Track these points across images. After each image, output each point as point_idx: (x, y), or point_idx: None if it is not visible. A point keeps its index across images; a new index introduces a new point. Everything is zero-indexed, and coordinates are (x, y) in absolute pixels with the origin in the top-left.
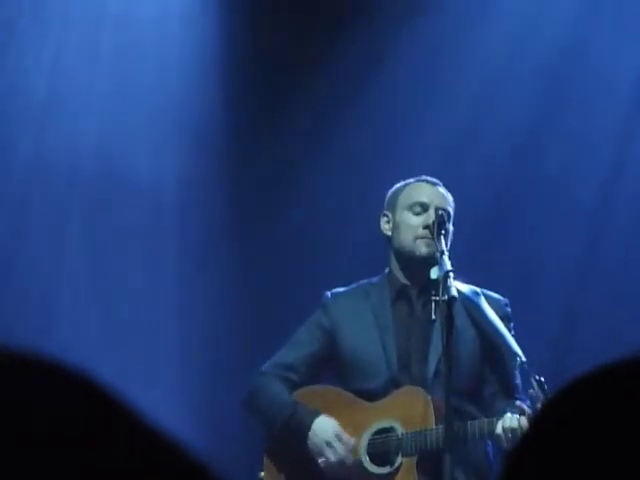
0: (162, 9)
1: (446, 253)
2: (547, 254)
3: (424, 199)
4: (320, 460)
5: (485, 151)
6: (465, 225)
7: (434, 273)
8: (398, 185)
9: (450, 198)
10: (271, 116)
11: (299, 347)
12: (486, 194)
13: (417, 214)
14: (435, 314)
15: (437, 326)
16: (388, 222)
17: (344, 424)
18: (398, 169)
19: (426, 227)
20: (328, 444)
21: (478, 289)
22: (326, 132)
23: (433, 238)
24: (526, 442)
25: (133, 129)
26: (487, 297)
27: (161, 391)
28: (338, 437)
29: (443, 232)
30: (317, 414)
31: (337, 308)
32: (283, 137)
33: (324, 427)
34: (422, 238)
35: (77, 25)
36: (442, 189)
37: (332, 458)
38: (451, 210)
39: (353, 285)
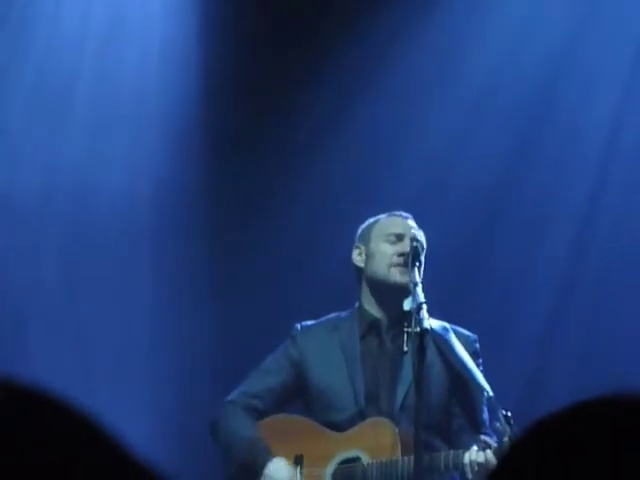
0: (144, 12)
1: (420, 285)
2: (521, 292)
3: (399, 230)
4: None
5: (461, 188)
6: (437, 260)
7: (407, 305)
8: (371, 220)
9: (421, 233)
10: (246, 147)
11: (266, 376)
12: (460, 229)
13: (392, 243)
14: (407, 346)
15: (406, 359)
16: (360, 254)
17: (310, 453)
18: (373, 201)
19: (401, 255)
20: None
21: (447, 325)
22: (301, 161)
23: (408, 267)
24: (495, 478)
25: (110, 139)
26: (456, 333)
27: (129, 409)
28: (289, 477)
29: (418, 264)
30: (272, 455)
31: (306, 341)
32: (258, 164)
33: (278, 470)
34: (397, 266)
35: (59, 34)
36: (414, 223)
37: None
38: (424, 244)
39: (322, 319)
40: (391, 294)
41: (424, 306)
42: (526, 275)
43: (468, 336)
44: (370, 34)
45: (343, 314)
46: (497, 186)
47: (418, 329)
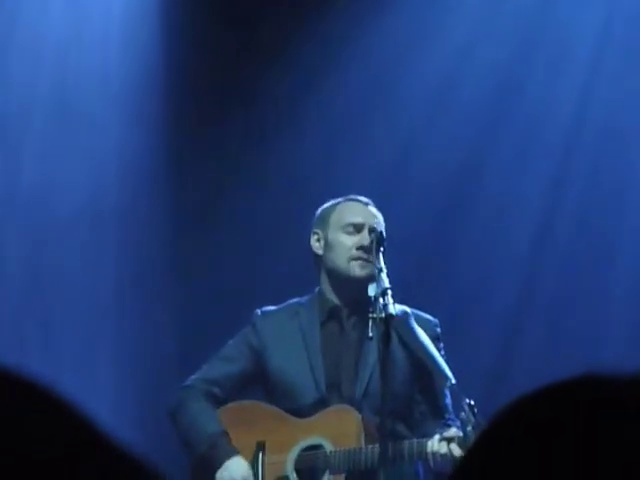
0: (105, 9)
1: (384, 270)
2: (485, 276)
3: (358, 219)
4: None
5: (423, 171)
6: (399, 244)
7: (372, 290)
8: (328, 204)
9: (381, 217)
10: (207, 131)
11: (226, 363)
12: (422, 214)
13: (350, 234)
14: (372, 331)
15: (368, 345)
16: (319, 240)
17: (272, 440)
18: (337, 183)
19: (360, 248)
20: None
21: (408, 309)
22: (267, 141)
23: (368, 259)
24: (463, 468)
25: (72, 119)
26: (417, 317)
27: (95, 395)
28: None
29: (382, 249)
30: (234, 454)
31: (266, 327)
32: (224, 142)
33: (236, 467)
34: (357, 259)
35: (19, 36)
36: (373, 208)
37: None
38: (383, 229)
39: (283, 304)
40: (351, 286)
41: (389, 292)
42: (489, 260)
43: (429, 320)
44: (338, 14)
45: (303, 299)
46: (461, 171)
47: (383, 315)
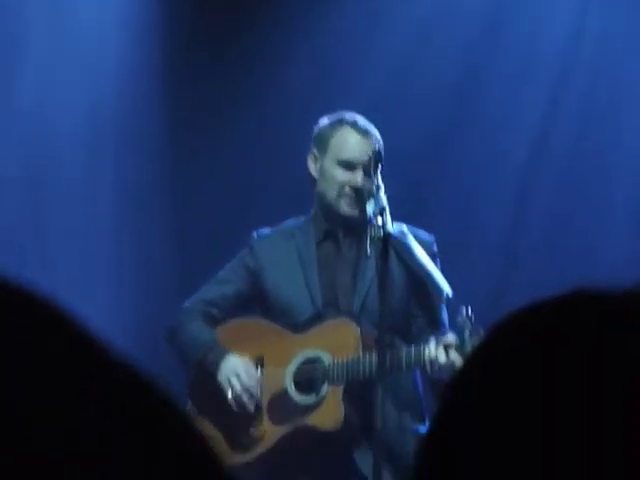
0: None
1: (382, 188)
2: (484, 192)
3: (355, 156)
4: (229, 394)
5: (422, 88)
6: (397, 161)
7: (369, 208)
8: (327, 123)
9: (380, 141)
10: (207, 49)
11: (223, 284)
12: (420, 130)
13: (345, 169)
14: (370, 250)
15: (364, 263)
16: (315, 162)
17: (271, 354)
18: (331, 104)
19: (352, 187)
20: (234, 374)
21: (405, 227)
22: (266, 63)
23: (357, 200)
24: (462, 376)
25: (69, 47)
26: (413, 234)
27: (93, 312)
28: (245, 368)
29: (380, 168)
30: (227, 352)
31: (262, 249)
32: (221, 66)
33: (232, 361)
34: (346, 197)
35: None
36: (374, 137)
37: (237, 386)
38: (382, 147)
39: (279, 226)
40: (338, 219)
41: (386, 210)
42: (485, 177)
43: (426, 237)
44: None
45: (300, 221)
46: (457, 87)
47: (381, 233)
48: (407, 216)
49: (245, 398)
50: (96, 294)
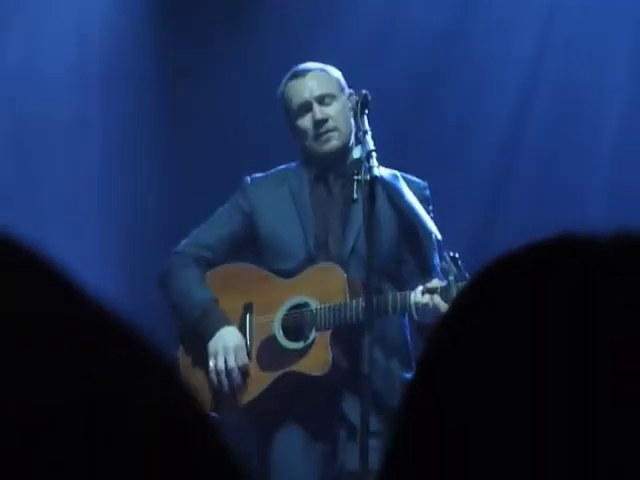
0: None
1: (369, 132)
2: (469, 139)
3: (302, 97)
4: (210, 364)
5: (408, 34)
6: (386, 108)
7: (356, 152)
8: (280, 88)
9: (331, 74)
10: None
11: (216, 227)
12: (407, 78)
13: (302, 116)
14: (357, 193)
15: (356, 207)
16: (290, 129)
17: (259, 300)
18: (319, 51)
19: (316, 124)
20: (225, 350)
21: (397, 172)
22: (249, 14)
23: (330, 129)
24: (447, 321)
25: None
26: (406, 180)
27: (81, 251)
28: (238, 347)
29: (367, 111)
30: (225, 323)
31: (256, 192)
32: (211, 9)
33: (227, 336)
34: (318, 137)
35: None
36: (316, 73)
37: (222, 365)
38: (338, 85)
39: (272, 171)
40: (327, 160)
41: (374, 154)
42: (473, 120)
43: (418, 182)
44: None
45: (292, 165)
46: (444, 34)
47: (368, 177)
48: (394, 162)
49: (223, 378)
50: (85, 241)
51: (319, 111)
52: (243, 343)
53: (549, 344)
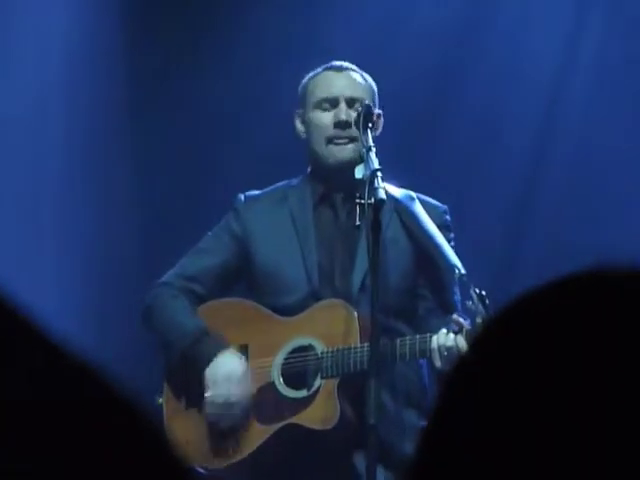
0: None
1: (373, 149)
2: (492, 158)
3: (332, 91)
4: (207, 394)
5: (422, 39)
6: (399, 122)
7: (359, 172)
8: (308, 76)
9: (369, 82)
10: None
11: (205, 256)
12: (424, 90)
13: (326, 110)
14: (360, 219)
15: (364, 234)
16: (302, 122)
17: (256, 342)
18: (320, 52)
19: (337, 124)
20: (226, 377)
21: (413, 193)
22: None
23: (349, 137)
24: (466, 363)
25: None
26: (423, 203)
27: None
28: (242, 375)
29: (370, 125)
30: (225, 347)
31: (250, 213)
32: (183, 14)
33: (231, 361)
34: (335, 140)
35: None
36: (355, 74)
37: (220, 393)
38: (371, 96)
39: (270, 187)
40: (334, 172)
41: (379, 173)
42: (496, 137)
43: (437, 206)
44: None
45: (294, 181)
46: (458, 30)
47: (372, 200)
48: (407, 182)
49: (223, 413)
50: (44, 272)
51: (345, 112)
52: (247, 370)
53: (567, 405)
